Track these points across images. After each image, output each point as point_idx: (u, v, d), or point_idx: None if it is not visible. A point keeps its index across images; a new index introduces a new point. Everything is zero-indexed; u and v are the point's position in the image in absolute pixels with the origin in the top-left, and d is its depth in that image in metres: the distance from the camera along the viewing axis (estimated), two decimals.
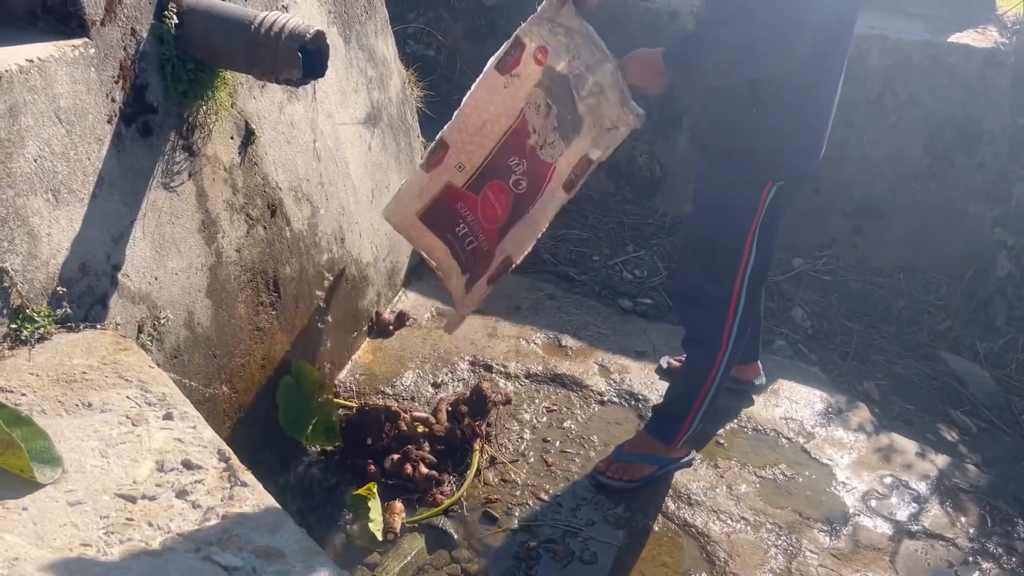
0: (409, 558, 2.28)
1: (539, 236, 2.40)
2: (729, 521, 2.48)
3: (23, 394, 1.45)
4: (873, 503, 2.59)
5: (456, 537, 2.37)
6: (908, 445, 2.85)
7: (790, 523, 2.49)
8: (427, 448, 2.56)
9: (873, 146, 3.64)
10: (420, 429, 2.61)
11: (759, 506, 2.54)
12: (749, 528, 2.46)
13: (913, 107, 3.56)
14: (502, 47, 2.16)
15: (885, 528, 2.51)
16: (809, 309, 3.53)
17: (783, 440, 2.81)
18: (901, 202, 3.71)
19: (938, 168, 3.61)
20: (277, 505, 1.37)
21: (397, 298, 3.35)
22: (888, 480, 2.69)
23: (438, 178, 2.25)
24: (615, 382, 3.01)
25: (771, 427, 2.86)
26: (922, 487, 2.68)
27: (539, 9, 2.13)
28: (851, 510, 2.56)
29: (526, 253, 2.42)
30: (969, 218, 3.64)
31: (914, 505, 2.61)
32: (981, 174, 3.58)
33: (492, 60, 2.17)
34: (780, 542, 2.42)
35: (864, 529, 2.50)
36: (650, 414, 2.68)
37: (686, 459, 2.65)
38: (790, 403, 2.98)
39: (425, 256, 2.42)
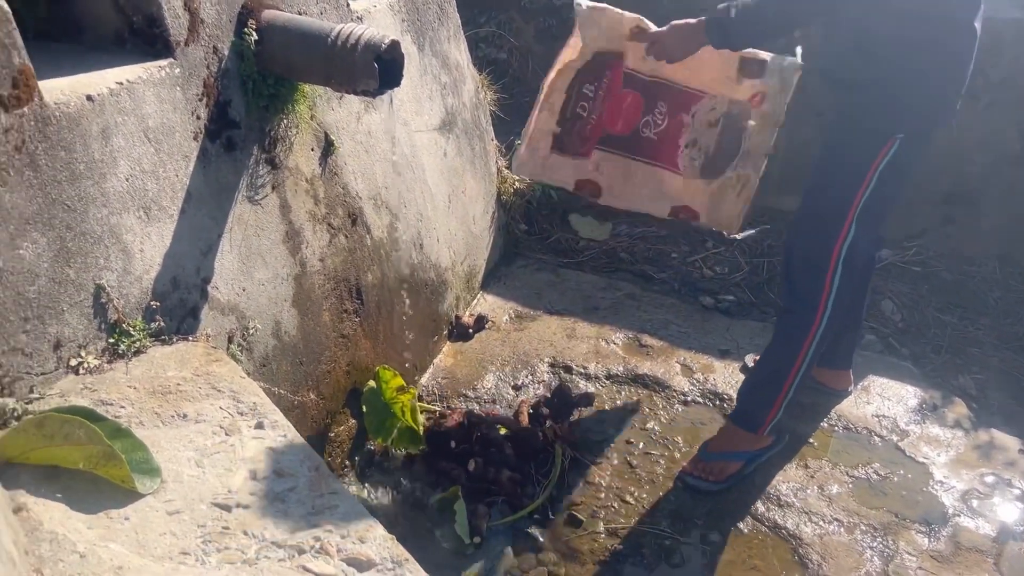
0: (496, 561, 2.28)
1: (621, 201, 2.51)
2: (821, 523, 2.41)
3: (122, 407, 1.50)
4: (974, 503, 2.49)
5: (541, 540, 2.37)
6: (1010, 442, 2.73)
7: (885, 524, 2.41)
8: (510, 451, 2.56)
9: (963, 131, 3.48)
10: (502, 431, 2.62)
11: (852, 507, 2.46)
12: (843, 529, 2.39)
13: (1006, 89, 3.41)
14: None
15: (988, 529, 2.40)
16: (899, 302, 3.41)
17: (876, 438, 2.73)
18: (995, 189, 3.55)
19: None
20: (366, 512, 1.39)
21: (475, 301, 3.37)
22: (989, 479, 2.58)
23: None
24: (698, 381, 2.96)
25: (863, 425, 2.77)
26: None
27: None
28: (950, 510, 2.46)
29: (605, 197, 2.57)
30: None
31: (1019, 505, 2.49)
32: None
33: None
34: (876, 544, 2.35)
35: (965, 530, 2.40)
36: (735, 401, 2.64)
37: (773, 448, 2.60)
38: (882, 400, 2.89)
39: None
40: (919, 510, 2.46)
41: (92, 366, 1.57)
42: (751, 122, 2.58)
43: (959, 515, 2.45)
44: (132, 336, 1.65)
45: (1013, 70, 3.39)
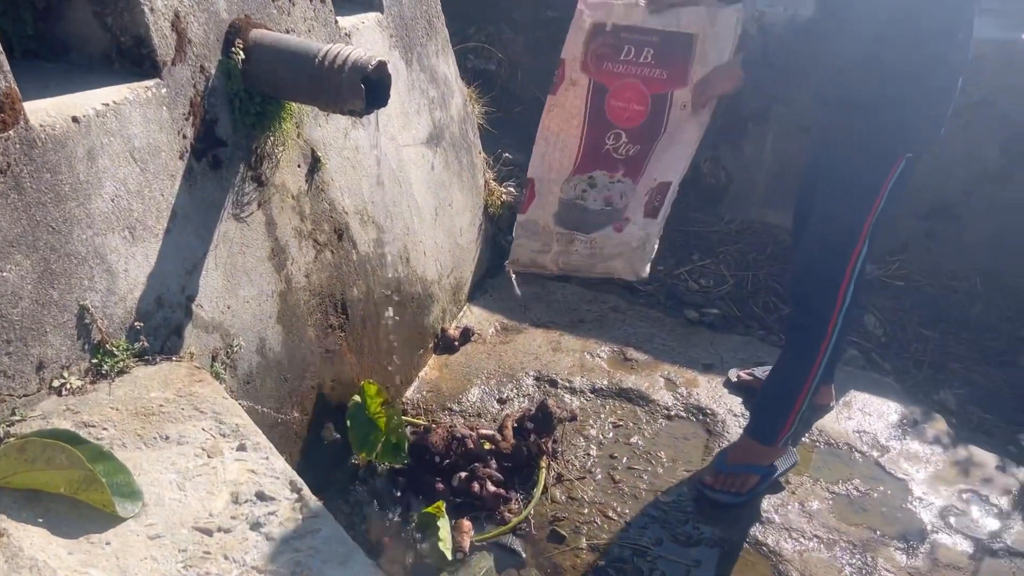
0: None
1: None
2: (801, 539, 2.44)
3: (104, 428, 1.51)
4: (952, 519, 2.52)
5: (524, 556, 2.38)
6: (988, 458, 2.76)
7: (865, 540, 2.43)
8: (494, 466, 2.57)
9: (945, 148, 3.52)
10: (487, 446, 2.63)
11: (832, 523, 2.49)
12: (822, 546, 2.41)
13: (987, 107, 3.45)
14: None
15: (965, 546, 2.43)
16: (882, 316, 3.45)
17: (856, 454, 2.75)
18: (976, 204, 3.59)
19: (1015, 169, 3.49)
20: (347, 536, 1.40)
21: (462, 313, 3.38)
22: (967, 495, 2.61)
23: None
24: (682, 396, 2.98)
25: (844, 441, 2.80)
26: (1004, 502, 2.59)
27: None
28: (928, 527, 2.49)
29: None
30: None
31: (995, 521, 2.52)
32: None
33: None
34: (854, 560, 2.37)
35: (942, 547, 2.42)
36: (749, 415, 2.67)
37: (789, 464, 2.64)
38: (863, 415, 2.92)
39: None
40: (898, 526, 2.48)
41: (75, 387, 1.58)
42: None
43: (937, 532, 2.47)
44: (116, 356, 1.66)
45: (993, 89, 3.43)
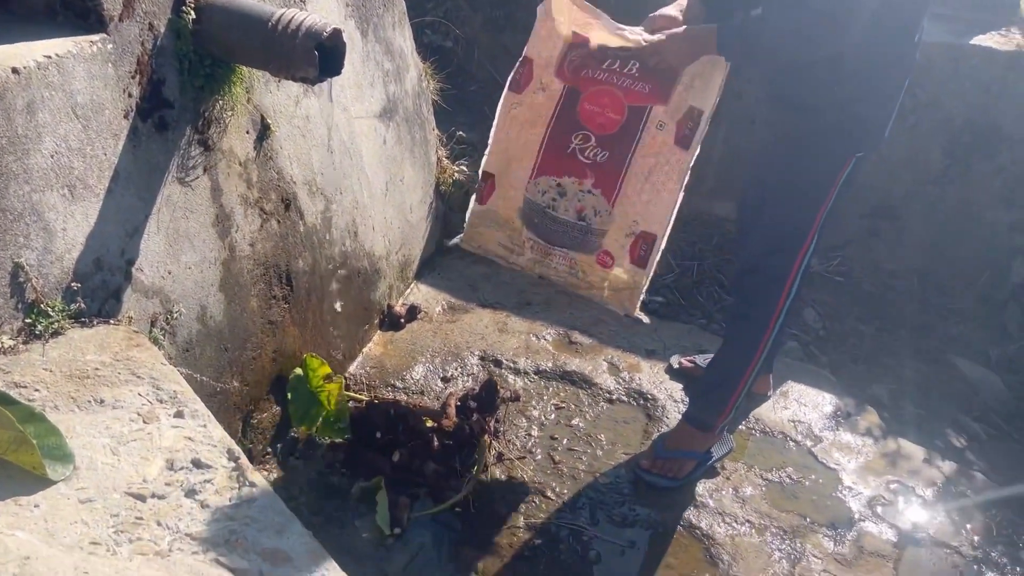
0: (416, 553, 2.30)
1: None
2: (734, 524, 2.49)
3: (36, 390, 1.47)
4: (879, 509, 2.59)
5: (462, 532, 2.39)
6: (916, 451, 2.85)
7: (795, 527, 2.49)
8: (435, 443, 2.57)
9: (891, 148, 3.60)
10: (429, 424, 2.63)
11: (764, 509, 2.54)
12: (754, 531, 2.47)
13: (933, 110, 3.54)
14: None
15: (890, 535, 2.51)
16: (821, 310, 3.53)
17: (791, 443, 2.82)
18: (917, 206, 3.69)
19: (956, 172, 3.59)
20: (284, 506, 1.38)
21: (409, 291, 3.36)
22: (895, 486, 2.69)
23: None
24: (624, 380, 3.01)
25: (779, 429, 2.86)
26: (928, 494, 2.67)
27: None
28: (856, 515, 2.56)
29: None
30: (986, 223, 3.61)
31: (920, 512, 2.61)
32: (1000, 179, 3.55)
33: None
34: (784, 546, 2.43)
35: (869, 535, 2.50)
36: (688, 402, 2.70)
37: (724, 451, 2.68)
38: (799, 405, 2.98)
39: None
40: (827, 514, 2.55)
41: (6, 347, 1.54)
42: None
43: (864, 520, 2.54)
44: (51, 317, 1.62)
45: (940, 92, 3.51)
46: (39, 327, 1.59)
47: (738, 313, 2.55)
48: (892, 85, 2.21)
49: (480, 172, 2.49)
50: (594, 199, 2.34)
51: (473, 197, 2.55)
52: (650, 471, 2.59)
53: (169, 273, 1.96)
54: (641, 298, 2.45)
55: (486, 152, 2.46)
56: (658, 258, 2.37)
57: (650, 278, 2.42)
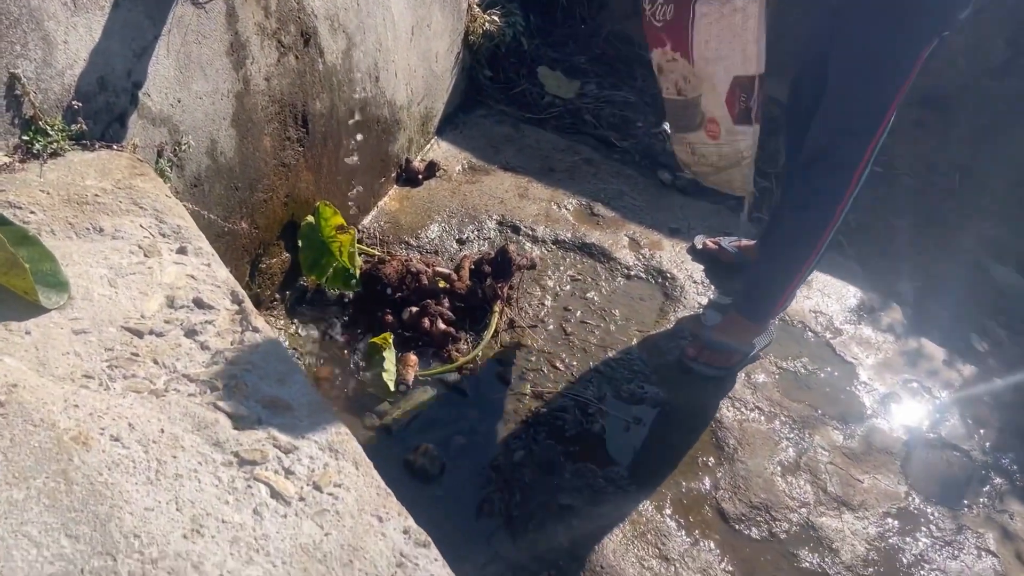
0: (419, 410, 2.27)
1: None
2: (743, 409, 2.44)
3: (32, 212, 1.38)
4: (892, 406, 2.54)
5: (467, 395, 2.35)
6: (937, 351, 2.78)
7: (805, 417, 2.45)
8: (446, 304, 2.51)
9: (953, 35, 3.38)
10: (441, 284, 2.56)
11: (776, 397, 2.50)
12: (763, 418, 2.43)
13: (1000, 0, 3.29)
14: None
15: (901, 433, 2.47)
16: (856, 201, 3.37)
17: (809, 333, 2.74)
18: (971, 98, 3.48)
19: (1018, 66, 3.36)
20: (287, 354, 1.32)
21: (429, 146, 3.23)
22: (911, 385, 2.63)
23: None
24: (644, 257, 2.92)
25: (799, 319, 2.79)
26: (944, 395, 2.62)
27: None
28: (869, 411, 2.51)
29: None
30: None
31: (934, 413, 2.56)
32: None
33: None
34: (792, 435, 2.39)
35: (879, 431, 2.46)
36: (740, 290, 2.61)
37: (767, 341, 2.62)
38: (822, 296, 2.90)
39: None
40: (839, 407, 2.50)
41: (1, 163, 1.44)
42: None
43: (876, 416, 2.50)
44: (49, 136, 1.51)
45: None
46: (37, 145, 1.49)
47: (799, 203, 2.36)
48: None
49: None
50: (680, 65, 2.17)
51: None
52: (697, 359, 2.52)
53: (179, 101, 1.83)
54: (751, 172, 2.33)
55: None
56: (761, 106, 2.19)
57: (758, 136, 2.26)
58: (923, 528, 2.21)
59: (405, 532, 1.09)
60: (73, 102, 1.56)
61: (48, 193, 1.43)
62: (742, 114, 2.21)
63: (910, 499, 2.28)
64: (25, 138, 1.49)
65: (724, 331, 2.54)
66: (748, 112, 2.20)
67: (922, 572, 2.10)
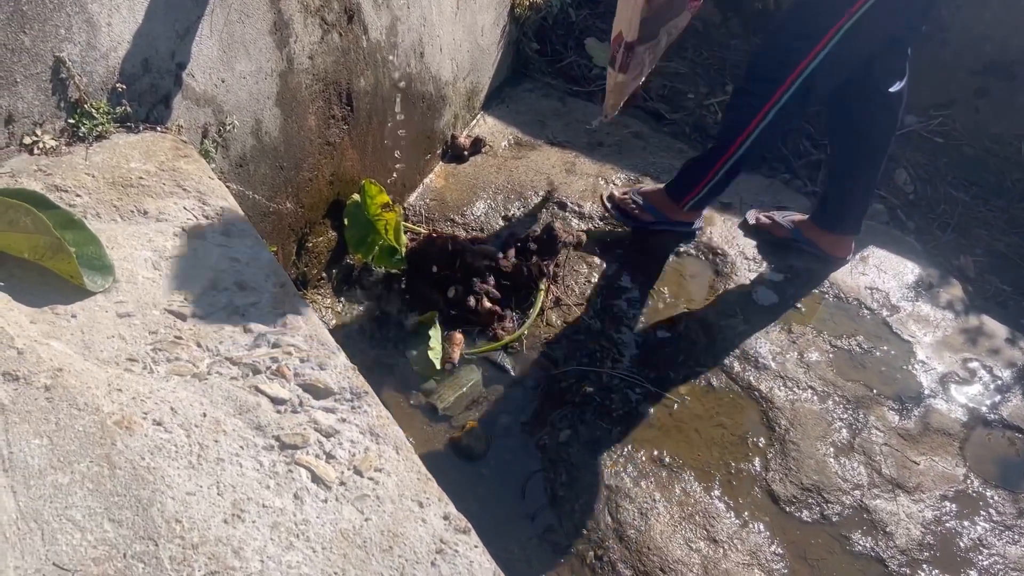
0: (464, 389, 2.26)
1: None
2: (796, 389, 2.39)
3: (78, 195, 1.39)
4: (951, 386, 2.47)
5: (513, 374, 2.34)
6: (999, 329, 2.68)
7: (859, 397, 2.39)
8: (492, 283, 2.49)
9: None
10: (487, 262, 2.54)
11: (829, 377, 2.44)
12: (816, 398, 2.37)
13: None
14: None
15: (959, 414, 2.39)
16: (914, 173, 3.27)
17: (865, 311, 2.67)
18: None
19: None
20: (330, 338, 1.31)
21: (475, 122, 3.20)
22: (971, 364, 2.54)
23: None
24: (695, 233, 2.86)
25: (854, 296, 2.71)
26: (1007, 375, 2.53)
27: None
28: (926, 391, 2.44)
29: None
30: None
31: (995, 393, 2.47)
32: None
33: None
34: (846, 416, 2.33)
35: (937, 412, 2.38)
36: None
37: (691, 227, 2.81)
38: (878, 272, 2.81)
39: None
40: (895, 387, 2.43)
41: (48, 147, 1.45)
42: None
43: (934, 396, 2.42)
44: (95, 119, 1.52)
45: None
46: (83, 129, 1.50)
47: (730, 103, 2.54)
48: None
49: None
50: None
51: None
52: (612, 199, 2.81)
53: (223, 81, 1.83)
54: (615, 102, 2.62)
55: None
56: (631, 62, 2.41)
57: (629, 83, 2.53)
58: (982, 512, 2.14)
59: (445, 518, 1.08)
60: (118, 84, 1.56)
61: (93, 176, 1.45)
62: (611, 59, 2.47)
63: (968, 482, 2.21)
64: (71, 121, 1.50)
65: (649, 195, 2.78)
66: (613, 60, 2.45)
67: (980, 557, 2.04)
